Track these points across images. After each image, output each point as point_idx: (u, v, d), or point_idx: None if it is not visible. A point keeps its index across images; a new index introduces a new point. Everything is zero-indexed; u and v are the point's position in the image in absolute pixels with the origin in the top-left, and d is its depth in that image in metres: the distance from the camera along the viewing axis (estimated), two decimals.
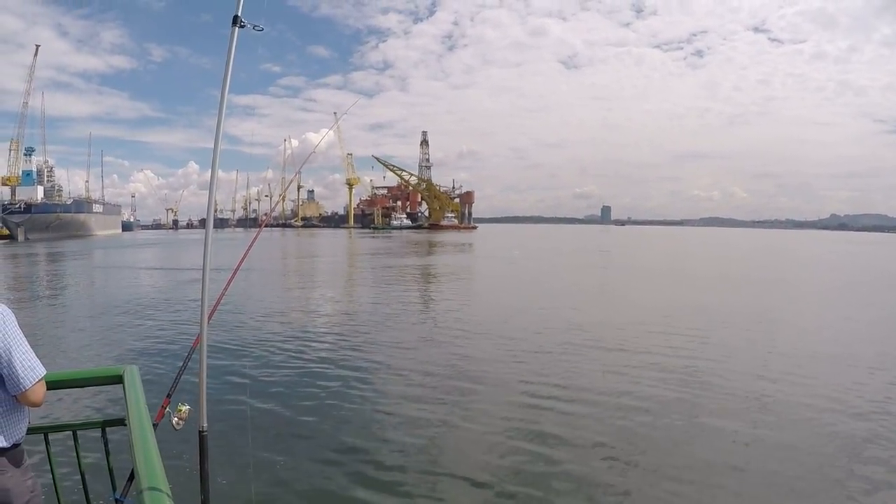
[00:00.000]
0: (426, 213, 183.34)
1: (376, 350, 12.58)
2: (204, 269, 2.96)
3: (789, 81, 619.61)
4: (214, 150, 3.02)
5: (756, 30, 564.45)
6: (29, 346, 2.40)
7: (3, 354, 2.30)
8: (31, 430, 2.60)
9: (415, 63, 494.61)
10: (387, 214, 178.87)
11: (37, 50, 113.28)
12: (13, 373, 2.31)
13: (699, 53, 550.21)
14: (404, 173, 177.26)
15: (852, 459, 6.78)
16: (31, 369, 2.36)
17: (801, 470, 6.54)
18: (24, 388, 2.33)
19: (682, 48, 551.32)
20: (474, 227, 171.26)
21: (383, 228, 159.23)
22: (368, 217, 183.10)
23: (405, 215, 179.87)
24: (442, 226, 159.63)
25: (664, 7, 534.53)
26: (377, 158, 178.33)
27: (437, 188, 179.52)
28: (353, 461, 6.74)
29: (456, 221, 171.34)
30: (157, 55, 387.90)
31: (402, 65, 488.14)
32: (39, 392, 2.41)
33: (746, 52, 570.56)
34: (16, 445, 2.42)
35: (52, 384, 2.66)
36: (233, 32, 2.96)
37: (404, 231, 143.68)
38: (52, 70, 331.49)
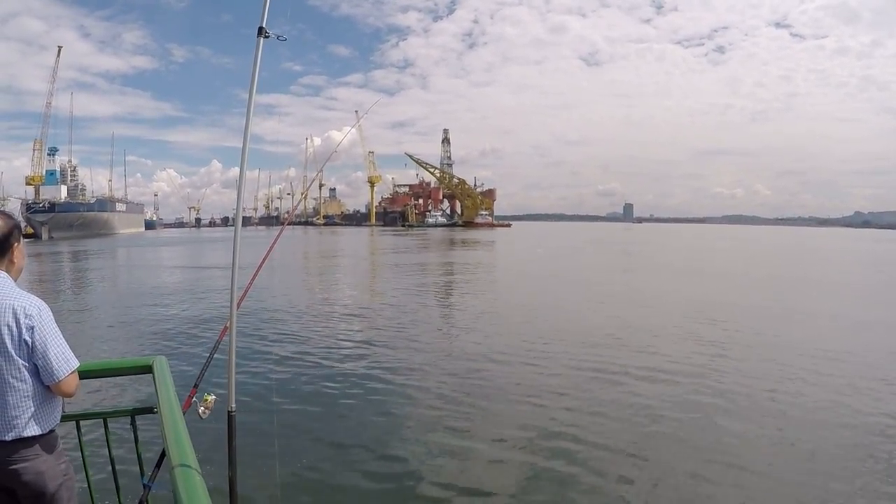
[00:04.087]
0: (448, 211, 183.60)
1: (404, 345, 12.66)
2: (234, 259, 3.10)
3: (811, 77, 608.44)
4: (242, 156, 3.14)
5: (777, 25, 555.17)
6: (63, 339, 2.51)
7: (39, 346, 2.41)
8: (64, 418, 2.71)
9: (435, 61, 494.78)
10: (419, 212, 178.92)
11: (59, 51, 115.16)
12: (48, 364, 2.42)
13: (720, 49, 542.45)
14: (436, 171, 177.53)
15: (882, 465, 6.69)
16: (65, 361, 2.47)
17: (827, 473, 6.46)
18: (58, 378, 2.44)
19: (703, 44, 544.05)
20: (508, 225, 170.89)
21: (418, 226, 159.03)
22: (390, 215, 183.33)
23: (440, 213, 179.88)
24: (476, 223, 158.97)
25: (685, 3, 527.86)
26: (410, 156, 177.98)
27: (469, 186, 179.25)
28: (374, 448, 6.85)
29: (490, 219, 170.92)
30: (179, 55, 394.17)
31: (423, 63, 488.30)
32: (72, 383, 2.52)
33: (768, 47, 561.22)
34: (50, 432, 2.53)
35: (85, 374, 2.77)
36: (258, 43, 3.03)
37: (439, 229, 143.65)
38: (74, 71, 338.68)
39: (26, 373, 2.40)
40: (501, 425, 7.70)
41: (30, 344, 2.38)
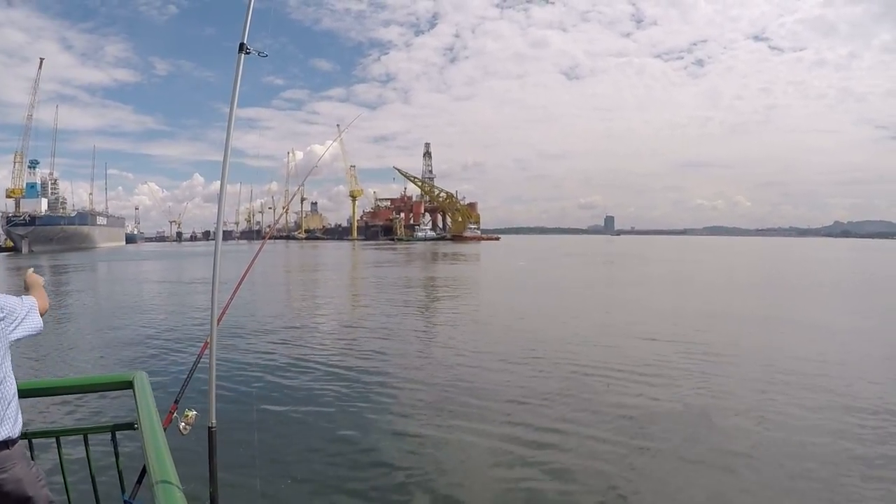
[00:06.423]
0: (429, 226, 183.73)
1: (389, 359, 12.57)
2: (214, 274, 3.11)
3: (790, 89, 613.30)
4: (223, 171, 3.16)
5: (756, 38, 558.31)
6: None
7: (20, 312, 2.68)
8: (44, 434, 2.70)
9: (417, 75, 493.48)
10: (406, 225, 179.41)
11: (41, 63, 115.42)
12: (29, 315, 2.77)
13: (700, 63, 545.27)
14: (424, 185, 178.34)
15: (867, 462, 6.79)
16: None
17: (815, 473, 6.57)
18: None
19: (682, 58, 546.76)
20: (497, 238, 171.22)
21: (407, 240, 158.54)
22: (372, 229, 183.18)
23: (428, 227, 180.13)
24: (465, 237, 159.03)
25: (664, 17, 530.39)
26: (398, 170, 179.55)
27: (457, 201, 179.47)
28: (357, 464, 6.81)
29: (479, 233, 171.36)
30: (161, 69, 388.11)
31: (404, 77, 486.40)
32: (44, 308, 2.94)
33: (747, 60, 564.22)
34: (21, 437, 2.52)
35: (65, 389, 2.78)
36: (239, 59, 3.08)
37: (428, 242, 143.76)
38: (56, 83, 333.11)
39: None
40: (488, 436, 7.69)
41: (8, 332, 2.48)
